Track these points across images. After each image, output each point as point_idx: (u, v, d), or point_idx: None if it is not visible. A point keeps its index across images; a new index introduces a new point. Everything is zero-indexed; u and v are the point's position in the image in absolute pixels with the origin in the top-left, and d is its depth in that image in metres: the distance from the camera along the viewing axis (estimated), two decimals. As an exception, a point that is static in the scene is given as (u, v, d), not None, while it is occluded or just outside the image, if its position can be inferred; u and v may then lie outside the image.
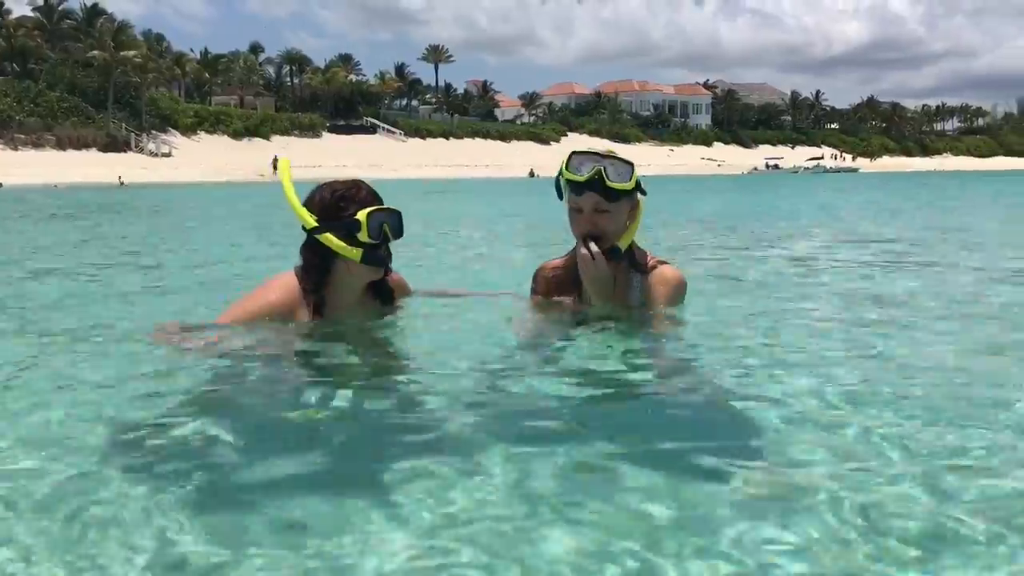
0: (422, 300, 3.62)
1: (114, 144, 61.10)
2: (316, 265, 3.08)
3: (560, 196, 3.21)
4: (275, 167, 55.29)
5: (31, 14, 72.32)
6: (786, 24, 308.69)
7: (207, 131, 73.09)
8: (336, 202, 3.05)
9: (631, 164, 3.10)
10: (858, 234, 9.70)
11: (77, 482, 1.87)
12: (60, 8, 73.50)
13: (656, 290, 3.22)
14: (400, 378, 2.81)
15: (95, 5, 75.49)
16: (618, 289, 3.23)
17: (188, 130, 71.48)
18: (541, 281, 3.46)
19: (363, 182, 3.16)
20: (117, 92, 65.27)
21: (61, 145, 58.41)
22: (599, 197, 3.08)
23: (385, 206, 3.08)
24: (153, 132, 66.37)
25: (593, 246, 3.09)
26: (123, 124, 63.68)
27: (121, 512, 1.72)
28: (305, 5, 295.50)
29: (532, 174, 66.13)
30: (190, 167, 56.57)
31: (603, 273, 3.12)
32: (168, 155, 63.37)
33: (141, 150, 62.93)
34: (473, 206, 20.24)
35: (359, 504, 1.74)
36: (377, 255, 3.05)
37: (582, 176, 3.06)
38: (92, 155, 57.82)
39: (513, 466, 1.93)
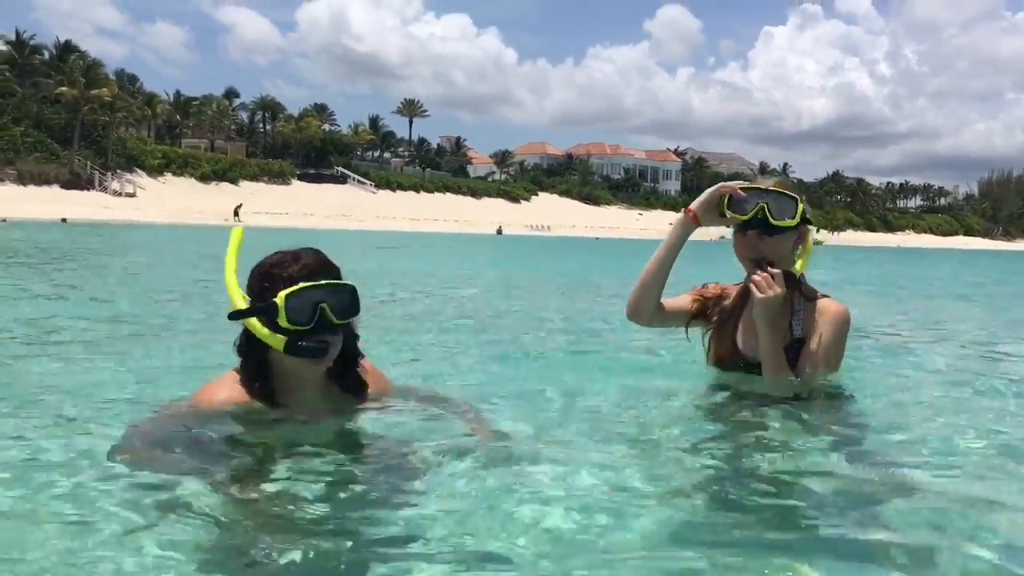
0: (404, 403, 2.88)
1: (76, 182, 60.01)
2: (247, 354, 2.54)
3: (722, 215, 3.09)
4: (236, 213, 53.31)
5: (3, 48, 71.45)
6: (755, 98, 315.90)
7: (174, 173, 72.28)
8: (261, 280, 2.48)
9: (795, 198, 3.01)
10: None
11: None
12: (31, 43, 72.74)
13: (818, 323, 3.07)
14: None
15: (68, 42, 75.01)
16: (782, 317, 3.07)
17: (155, 171, 70.60)
18: (703, 292, 3.31)
19: (310, 251, 2.54)
20: (85, 130, 64.47)
21: (22, 180, 57.18)
22: (762, 234, 3.02)
23: (325, 282, 2.44)
24: (119, 171, 65.38)
25: (772, 269, 2.96)
26: (88, 162, 62.67)
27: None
28: (284, 55, 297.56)
29: (500, 231, 65.98)
30: (153, 208, 55.56)
31: (779, 295, 2.95)
32: (132, 195, 62.35)
33: (105, 189, 61.88)
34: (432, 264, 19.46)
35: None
36: (303, 345, 2.41)
37: (746, 215, 2.99)
38: (52, 191, 56.65)
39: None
